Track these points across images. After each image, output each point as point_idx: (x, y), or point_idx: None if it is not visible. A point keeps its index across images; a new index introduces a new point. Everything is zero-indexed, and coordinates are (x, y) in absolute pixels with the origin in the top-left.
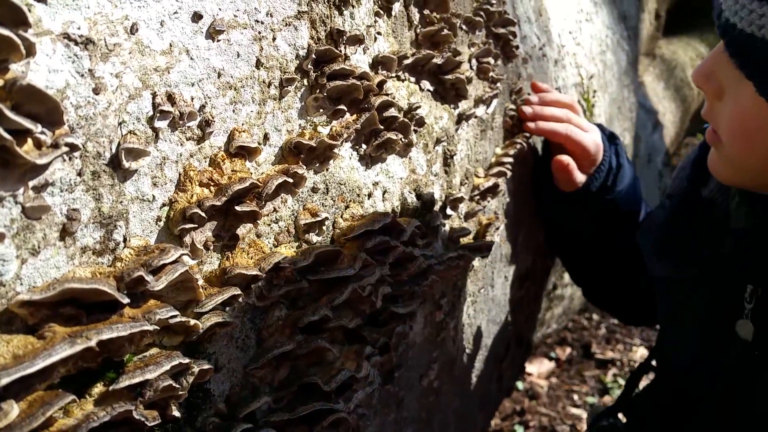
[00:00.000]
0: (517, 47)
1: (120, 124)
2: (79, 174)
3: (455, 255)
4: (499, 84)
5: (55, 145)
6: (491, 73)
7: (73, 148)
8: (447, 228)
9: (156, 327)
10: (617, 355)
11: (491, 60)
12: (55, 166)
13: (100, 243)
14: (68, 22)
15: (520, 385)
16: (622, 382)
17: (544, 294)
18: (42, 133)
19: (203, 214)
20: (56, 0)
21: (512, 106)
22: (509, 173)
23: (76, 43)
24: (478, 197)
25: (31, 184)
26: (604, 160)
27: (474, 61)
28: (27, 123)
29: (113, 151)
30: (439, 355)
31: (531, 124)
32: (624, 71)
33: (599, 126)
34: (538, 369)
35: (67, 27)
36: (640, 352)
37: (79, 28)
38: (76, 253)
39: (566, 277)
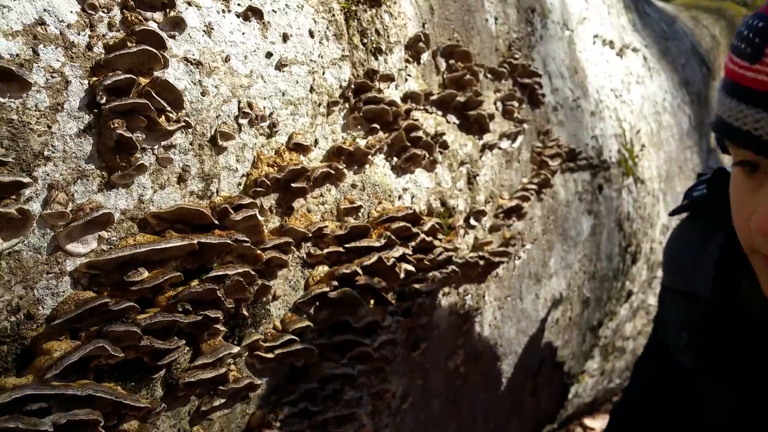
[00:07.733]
0: (543, 95)
1: (217, 116)
2: (191, 144)
3: (476, 255)
4: (525, 124)
5: (177, 121)
6: (516, 114)
7: (187, 125)
8: (471, 237)
9: (233, 243)
10: None
11: (515, 103)
12: (177, 135)
13: (201, 191)
14: (187, 51)
15: None
16: None
17: (586, 327)
18: (170, 112)
19: (269, 183)
20: (180, 37)
21: (539, 144)
22: (532, 197)
23: (191, 64)
24: (502, 215)
25: (162, 143)
26: None
27: (499, 103)
28: (164, 103)
29: (212, 133)
30: (464, 343)
31: None
32: (686, 133)
33: None
34: (600, 425)
35: (186, 53)
36: None
37: (193, 55)
38: (186, 194)
39: (628, 328)
